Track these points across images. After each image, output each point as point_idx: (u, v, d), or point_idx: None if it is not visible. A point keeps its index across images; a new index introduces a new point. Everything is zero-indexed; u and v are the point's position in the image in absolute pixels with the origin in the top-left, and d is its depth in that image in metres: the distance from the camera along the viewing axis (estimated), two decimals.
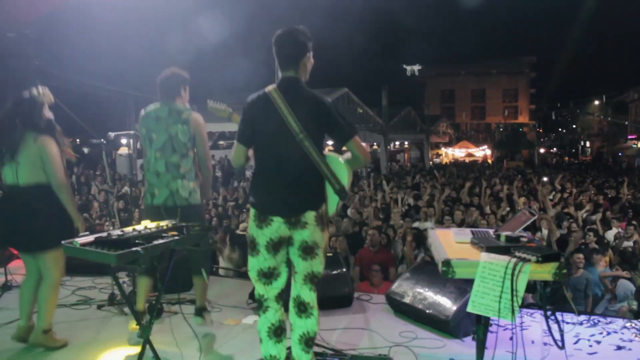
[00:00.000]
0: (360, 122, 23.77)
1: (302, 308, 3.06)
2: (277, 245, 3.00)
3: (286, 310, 3.18)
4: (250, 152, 3.11)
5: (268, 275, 3.06)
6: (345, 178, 2.96)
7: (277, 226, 2.95)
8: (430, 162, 35.90)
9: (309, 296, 3.07)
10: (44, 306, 3.88)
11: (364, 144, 3.03)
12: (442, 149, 48.71)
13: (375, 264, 6.53)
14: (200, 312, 4.26)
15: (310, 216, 2.93)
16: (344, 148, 3.05)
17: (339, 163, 2.98)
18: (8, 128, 3.77)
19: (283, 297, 3.16)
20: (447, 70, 63.81)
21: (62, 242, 2.99)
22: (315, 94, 2.99)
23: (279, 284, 3.10)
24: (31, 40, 7.07)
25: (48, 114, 3.90)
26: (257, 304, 3.17)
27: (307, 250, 2.99)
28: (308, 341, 3.07)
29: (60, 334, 4.06)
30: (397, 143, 38.08)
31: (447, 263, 2.72)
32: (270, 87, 2.98)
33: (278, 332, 3.11)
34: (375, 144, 30.32)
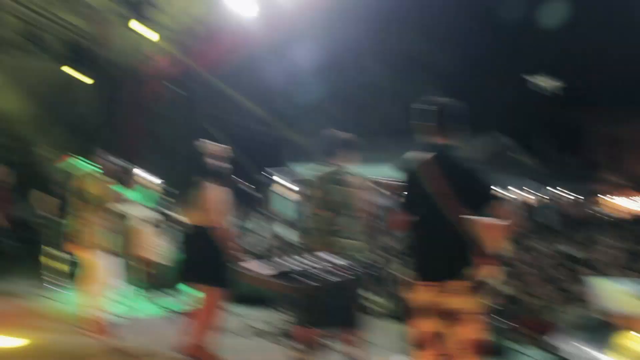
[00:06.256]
0: (518, 169, 22.76)
1: None
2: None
3: None
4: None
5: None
6: (490, 240, 2.95)
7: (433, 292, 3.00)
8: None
9: None
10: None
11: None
12: (606, 198, 44.29)
13: None
14: None
15: (458, 284, 2.95)
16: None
17: (484, 226, 2.97)
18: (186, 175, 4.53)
19: None
20: (612, 113, 58.65)
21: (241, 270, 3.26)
22: (465, 158, 3.09)
23: None
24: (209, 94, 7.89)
25: (211, 162, 4.43)
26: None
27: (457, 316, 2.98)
28: None
29: None
30: None
31: None
32: (424, 154, 3.08)
33: None
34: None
